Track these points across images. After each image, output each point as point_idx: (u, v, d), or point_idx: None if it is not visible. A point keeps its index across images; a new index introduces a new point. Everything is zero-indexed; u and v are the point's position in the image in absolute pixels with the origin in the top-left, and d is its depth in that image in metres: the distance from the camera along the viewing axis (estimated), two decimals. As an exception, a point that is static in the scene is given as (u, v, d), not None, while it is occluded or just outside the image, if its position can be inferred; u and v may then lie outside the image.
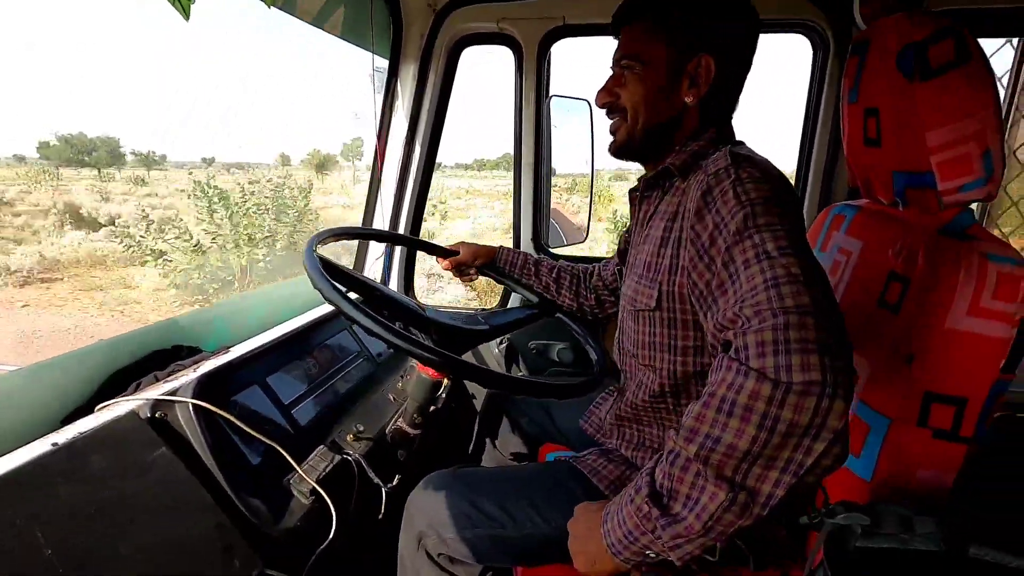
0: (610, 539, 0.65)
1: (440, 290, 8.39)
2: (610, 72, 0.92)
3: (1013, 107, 1.46)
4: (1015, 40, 1.41)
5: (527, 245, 1.72)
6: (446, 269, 1.37)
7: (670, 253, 0.80)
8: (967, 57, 0.72)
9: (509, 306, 1.78)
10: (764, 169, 0.70)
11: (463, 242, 1.37)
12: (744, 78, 0.88)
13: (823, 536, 0.58)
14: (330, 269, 1.04)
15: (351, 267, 1.73)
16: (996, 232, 1.65)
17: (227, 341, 1.25)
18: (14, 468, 0.65)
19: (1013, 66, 1.45)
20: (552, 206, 1.82)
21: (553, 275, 1.31)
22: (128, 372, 1.02)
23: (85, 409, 0.92)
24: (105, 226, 14.11)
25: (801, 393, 0.52)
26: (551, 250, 1.76)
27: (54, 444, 0.70)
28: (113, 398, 0.89)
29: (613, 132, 0.93)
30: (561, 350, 1.71)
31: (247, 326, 1.33)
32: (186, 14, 0.56)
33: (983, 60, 0.73)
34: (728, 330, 0.62)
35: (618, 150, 0.93)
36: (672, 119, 0.87)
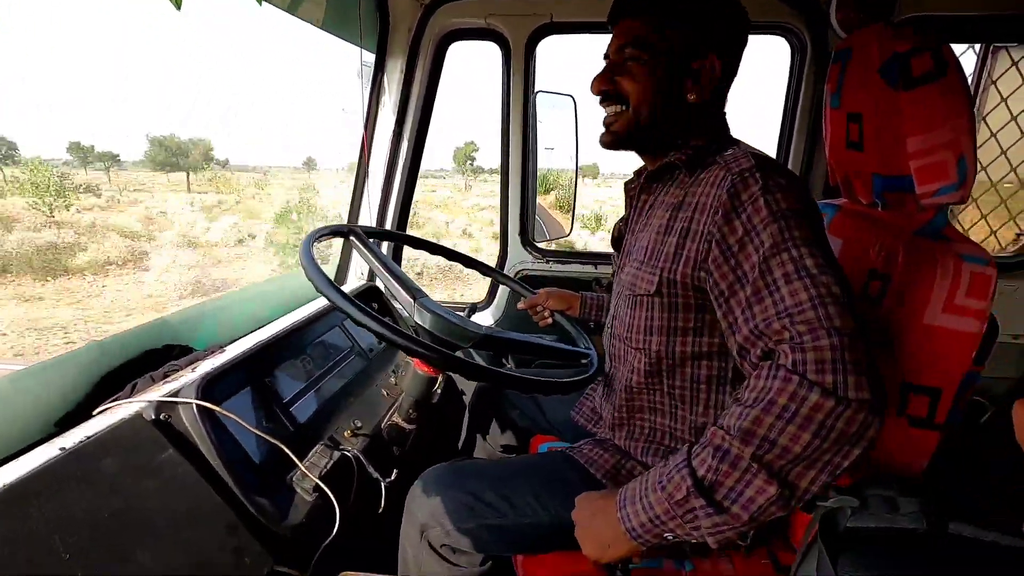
0: (631, 523, 0.68)
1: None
2: (605, 61, 0.90)
3: (975, 109, 1.55)
4: (977, 46, 1.49)
5: (515, 241, 1.74)
6: (522, 308, 1.42)
7: (675, 242, 0.82)
8: (944, 70, 0.77)
9: (495, 300, 1.80)
10: (785, 173, 0.74)
11: (550, 289, 1.40)
12: (735, 75, 0.90)
13: (816, 517, 0.63)
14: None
15: (337, 263, 1.73)
16: (957, 225, 1.75)
17: (216, 339, 1.24)
18: (25, 475, 0.64)
19: (975, 71, 1.53)
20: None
21: None
22: (120, 372, 1.01)
23: (80, 412, 0.91)
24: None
25: (856, 409, 0.59)
26: (537, 244, 1.78)
27: (62, 448, 0.70)
28: (108, 399, 0.89)
29: (609, 123, 0.90)
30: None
31: (236, 324, 1.31)
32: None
33: (959, 73, 0.78)
34: (771, 339, 0.66)
35: (614, 140, 0.90)
36: (675, 114, 0.87)
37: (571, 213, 2.00)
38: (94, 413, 0.83)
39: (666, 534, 0.67)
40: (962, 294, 0.75)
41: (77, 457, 0.69)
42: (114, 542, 0.66)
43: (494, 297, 1.80)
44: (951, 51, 0.78)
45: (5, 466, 0.66)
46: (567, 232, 2.03)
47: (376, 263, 1.10)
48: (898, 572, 0.53)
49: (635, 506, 0.69)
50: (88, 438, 0.73)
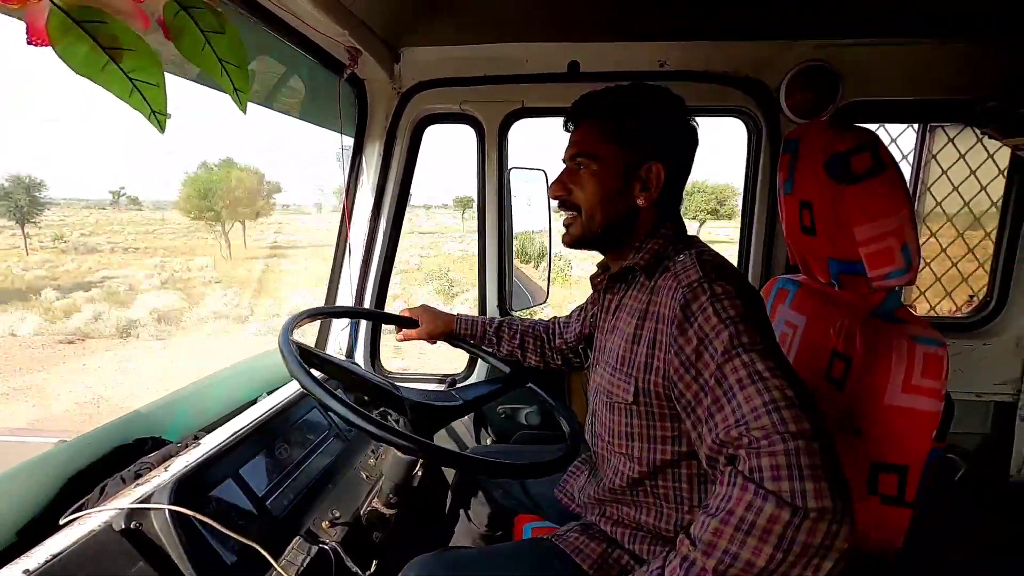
0: None
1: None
2: (563, 164, 0.97)
3: (920, 181, 1.66)
4: (916, 124, 1.62)
5: (492, 310, 1.76)
6: (401, 341, 1.39)
7: (644, 352, 0.84)
8: (883, 167, 0.84)
9: (476, 370, 1.81)
10: (733, 280, 0.78)
11: (424, 306, 1.40)
12: (687, 176, 0.96)
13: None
14: (302, 352, 1.04)
15: (315, 338, 1.73)
16: (914, 290, 1.83)
17: (190, 427, 1.21)
18: None
19: (915, 146, 1.65)
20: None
21: (517, 340, 1.35)
22: (89, 473, 0.97)
23: (46, 518, 0.87)
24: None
25: (816, 519, 0.58)
26: (514, 313, 1.81)
27: (25, 572, 0.67)
28: (76, 503, 0.86)
29: (567, 225, 0.97)
30: (529, 413, 1.75)
31: (209, 410, 1.29)
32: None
33: (896, 168, 0.85)
34: (732, 446, 0.67)
35: (573, 242, 0.97)
36: (627, 218, 0.92)
37: (547, 280, 2.05)
38: (60, 523, 0.80)
39: None
40: (918, 375, 0.79)
41: None
42: None
43: (474, 367, 1.81)
44: (887, 150, 0.85)
45: None
46: (544, 300, 2.06)
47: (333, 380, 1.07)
48: None
49: None
50: (53, 557, 0.70)
